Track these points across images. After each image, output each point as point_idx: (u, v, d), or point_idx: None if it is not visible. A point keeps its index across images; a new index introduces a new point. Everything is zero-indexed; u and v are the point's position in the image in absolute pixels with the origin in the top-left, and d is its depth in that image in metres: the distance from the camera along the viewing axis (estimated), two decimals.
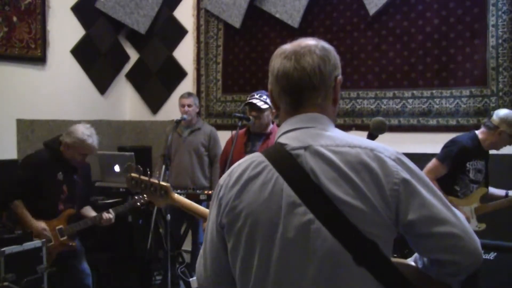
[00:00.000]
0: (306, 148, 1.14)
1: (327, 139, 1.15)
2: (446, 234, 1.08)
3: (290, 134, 1.18)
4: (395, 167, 1.10)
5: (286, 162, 1.13)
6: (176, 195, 1.79)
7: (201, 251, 1.28)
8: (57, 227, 3.24)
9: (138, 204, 3.64)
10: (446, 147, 3.19)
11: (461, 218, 1.11)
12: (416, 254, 1.25)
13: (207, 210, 1.79)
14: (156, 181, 1.80)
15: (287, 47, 1.24)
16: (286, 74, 1.19)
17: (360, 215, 1.07)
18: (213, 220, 1.22)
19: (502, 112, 3.17)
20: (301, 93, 1.19)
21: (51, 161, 3.27)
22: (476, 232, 3.13)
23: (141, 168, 1.86)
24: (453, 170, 3.14)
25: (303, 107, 1.20)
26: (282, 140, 1.19)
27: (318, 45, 1.21)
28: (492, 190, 3.36)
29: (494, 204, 3.22)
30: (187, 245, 4.61)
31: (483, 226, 3.20)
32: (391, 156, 1.12)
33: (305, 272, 1.08)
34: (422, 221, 1.08)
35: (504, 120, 3.11)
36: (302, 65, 1.18)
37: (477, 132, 3.24)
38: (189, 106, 4.27)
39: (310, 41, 1.23)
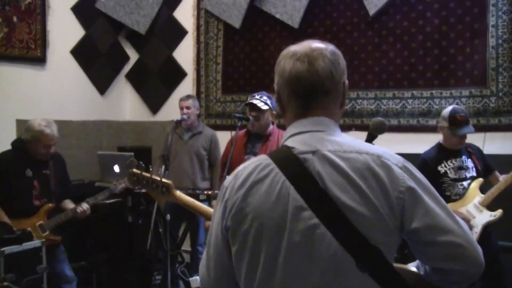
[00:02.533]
0: (314, 152, 1.13)
1: (335, 144, 1.14)
2: (449, 243, 1.09)
3: (297, 138, 1.18)
4: (401, 175, 1.11)
5: (293, 166, 1.13)
6: (178, 193, 1.78)
7: (205, 253, 1.27)
8: (37, 224, 3.23)
9: (118, 190, 3.61)
10: None
11: (464, 227, 1.12)
12: (418, 260, 1.25)
13: (208, 209, 1.78)
14: (158, 178, 1.78)
15: (297, 48, 1.21)
16: (299, 76, 1.17)
17: (365, 221, 1.07)
18: (218, 223, 1.21)
19: (444, 109, 3.35)
20: (313, 97, 1.18)
21: (17, 160, 3.27)
22: (493, 221, 3.11)
23: (143, 165, 1.86)
24: (432, 181, 3.17)
25: (313, 110, 1.19)
26: (289, 143, 1.18)
27: (328, 48, 1.20)
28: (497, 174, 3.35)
29: (497, 188, 3.18)
30: (186, 245, 4.61)
31: (498, 212, 3.16)
32: (398, 163, 1.13)
33: (309, 276, 1.09)
34: (426, 229, 1.09)
35: (441, 116, 3.29)
36: (315, 68, 1.16)
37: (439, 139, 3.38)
38: (187, 108, 4.26)
39: (320, 44, 1.21)
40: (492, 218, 3.15)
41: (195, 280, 3.89)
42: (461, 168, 3.23)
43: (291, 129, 1.21)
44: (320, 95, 1.18)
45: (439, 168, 3.24)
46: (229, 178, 1.22)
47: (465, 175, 3.23)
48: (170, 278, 3.82)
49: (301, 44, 1.23)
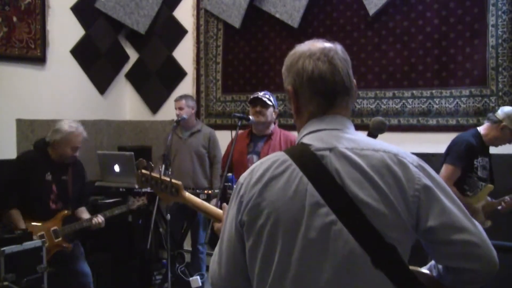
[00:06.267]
0: (331, 149, 1.14)
1: (351, 141, 1.15)
2: (464, 241, 1.09)
3: (314, 135, 1.18)
4: (417, 173, 1.12)
5: (311, 163, 1.13)
6: (187, 194, 1.75)
7: (217, 249, 1.27)
8: (52, 229, 3.24)
9: (135, 207, 3.65)
10: (452, 149, 3.16)
11: (479, 227, 1.13)
12: (431, 263, 1.26)
13: (218, 210, 1.77)
14: (168, 179, 1.77)
15: (311, 47, 1.22)
16: (322, 76, 1.18)
17: (382, 218, 1.08)
18: (232, 218, 1.20)
19: (508, 108, 3.20)
20: (336, 96, 1.20)
21: (40, 161, 3.28)
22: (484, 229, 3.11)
23: (152, 165, 1.84)
24: (463, 170, 3.12)
25: (333, 109, 1.20)
26: (306, 140, 1.18)
27: (338, 48, 1.23)
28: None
29: (501, 201, 3.19)
30: (187, 245, 4.61)
31: (489, 223, 3.17)
32: (414, 162, 1.14)
33: (324, 272, 1.09)
34: (441, 228, 1.09)
35: (508, 115, 3.13)
36: (337, 68, 1.18)
37: (479, 128, 3.25)
38: (180, 109, 4.27)
39: (329, 44, 1.23)
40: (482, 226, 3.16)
41: (196, 280, 3.90)
42: (485, 168, 3.18)
43: (307, 128, 1.21)
44: (341, 95, 1.20)
45: (475, 161, 3.13)
46: (244, 174, 1.22)
47: (486, 176, 3.19)
48: (171, 278, 3.83)
49: (310, 44, 1.24)
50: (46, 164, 3.30)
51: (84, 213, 3.51)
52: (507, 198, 3.19)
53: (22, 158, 3.35)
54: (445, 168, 3.09)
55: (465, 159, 3.09)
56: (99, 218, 3.40)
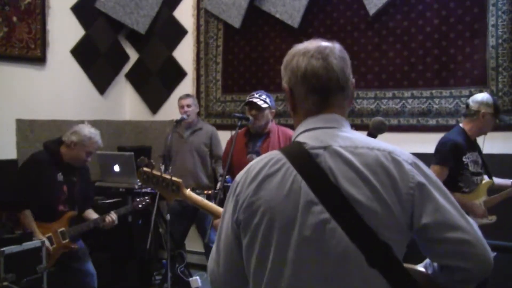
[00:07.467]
0: (325, 148, 1.14)
1: (346, 140, 1.15)
2: (458, 240, 1.09)
3: (309, 134, 1.19)
4: (411, 171, 1.12)
5: (305, 161, 1.14)
6: (188, 191, 1.77)
7: (214, 247, 1.28)
8: (59, 230, 3.23)
9: (140, 206, 3.65)
10: (438, 149, 3.17)
11: (473, 225, 1.12)
12: (426, 261, 1.25)
13: (218, 207, 1.78)
14: (168, 177, 1.79)
15: (307, 46, 1.23)
16: (315, 73, 1.18)
17: (376, 217, 1.08)
18: (229, 217, 1.22)
19: (478, 96, 3.19)
20: (329, 94, 1.20)
21: (51, 162, 3.27)
22: (489, 224, 3.11)
23: (153, 163, 1.86)
24: (453, 168, 3.12)
25: (328, 107, 1.20)
26: (301, 139, 1.19)
27: (336, 46, 1.23)
28: (497, 180, 3.30)
29: (502, 195, 3.18)
30: (188, 245, 4.61)
31: (494, 218, 3.16)
32: (408, 160, 1.14)
33: (318, 270, 1.09)
34: (435, 225, 1.09)
35: (482, 102, 3.13)
36: (331, 66, 1.18)
37: (460, 125, 3.25)
38: (188, 106, 4.28)
39: (327, 43, 1.23)
40: (488, 221, 3.15)
41: (195, 280, 3.90)
42: (476, 162, 3.17)
43: (302, 126, 1.22)
44: (335, 92, 1.20)
45: (464, 158, 3.11)
46: (240, 173, 1.23)
47: (479, 171, 3.18)
48: (171, 278, 3.83)
49: (308, 43, 1.24)
50: (58, 164, 3.29)
51: (92, 214, 3.50)
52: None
53: (36, 158, 3.30)
54: (432, 169, 3.09)
55: (452, 159, 3.09)
56: (113, 216, 3.40)
